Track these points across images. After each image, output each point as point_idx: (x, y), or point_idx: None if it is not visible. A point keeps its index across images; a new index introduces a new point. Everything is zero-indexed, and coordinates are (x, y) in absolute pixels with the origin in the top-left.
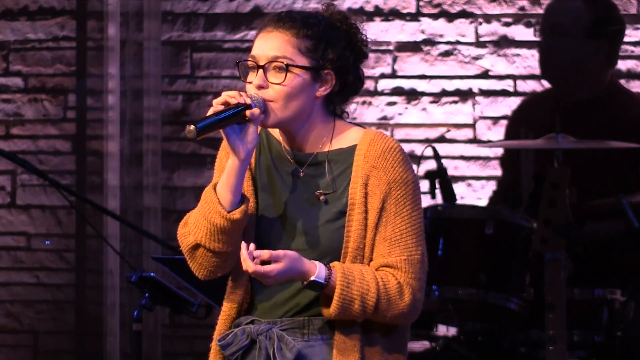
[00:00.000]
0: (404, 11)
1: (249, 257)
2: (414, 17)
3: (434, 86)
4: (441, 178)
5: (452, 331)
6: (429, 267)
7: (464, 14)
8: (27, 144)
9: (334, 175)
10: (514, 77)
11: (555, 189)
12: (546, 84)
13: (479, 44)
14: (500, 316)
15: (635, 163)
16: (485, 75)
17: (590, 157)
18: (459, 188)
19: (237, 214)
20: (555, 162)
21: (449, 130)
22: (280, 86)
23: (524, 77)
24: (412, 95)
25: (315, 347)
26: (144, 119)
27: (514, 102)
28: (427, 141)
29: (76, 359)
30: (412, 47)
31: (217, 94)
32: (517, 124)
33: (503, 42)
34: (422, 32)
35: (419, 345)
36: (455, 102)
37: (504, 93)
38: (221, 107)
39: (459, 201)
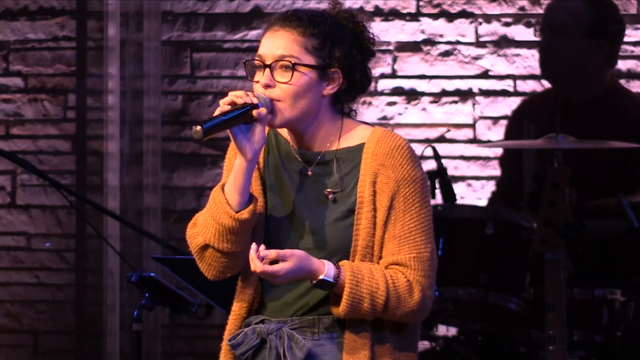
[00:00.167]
0: (404, 11)
1: (257, 258)
2: (414, 17)
3: (434, 86)
4: (441, 178)
5: (452, 331)
6: None
7: (464, 14)
8: (27, 144)
9: (342, 173)
10: (514, 77)
11: (555, 189)
12: (546, 84)
13: (479, 44)
14: (500, 316)
15: (635, 163)
16: (485, 75)
17: (590, 157)
18: (459, 188)
19: (245, 214)
20: (555, 162)
21: (449, 130)
22: (287, 85)
23: (524, 77)
24: (412, 95)
25: (326, 346)
26: (144, 119)
27: (514, 102)
28: (427, 141)
29: (76, 359)
30: (412, 47)
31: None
32: (517, 124)
33: (503, 42)
34: (422, 32)
35: (419, 345)
36: (455, 102)
37: (504, 93)
38: (228, 107)
39: (459, 201)
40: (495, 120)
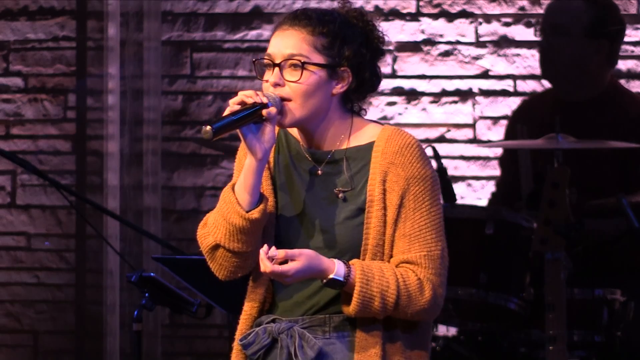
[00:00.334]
0: (404, 11)
1: (266, 258)
2: (414, 17)
3: (434, 86)
4: (441, 178)
5: (452, 331)
6: None
7: (464, 14)
8: (27, 144)
9: (352, 172)
10: (514, 77)
11: (555, 189)
12: (546, 84)
13: (479, 44)
14: (500, 316)
15: (635, 163)
16: (485, 75)
17: (590, 157)
18: (459, 188)
19: (255, 214)
20: (555, 162)
21: (449, 130)
22: (297, 84)
23: (524, 77)
24: (412, 95)
25: (337, 345)
26: (144, 119)
27: (514, 102)
28: (427, 141)
29: (76, 359)
30: (412, 47)
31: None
32: (517, 124)
33: (503, 42)
34: (422, 32)
35: None
36: (455, 102)
37: (504, 93)
38: (237, 107)
39: (459, 201)
40: (495, 120)
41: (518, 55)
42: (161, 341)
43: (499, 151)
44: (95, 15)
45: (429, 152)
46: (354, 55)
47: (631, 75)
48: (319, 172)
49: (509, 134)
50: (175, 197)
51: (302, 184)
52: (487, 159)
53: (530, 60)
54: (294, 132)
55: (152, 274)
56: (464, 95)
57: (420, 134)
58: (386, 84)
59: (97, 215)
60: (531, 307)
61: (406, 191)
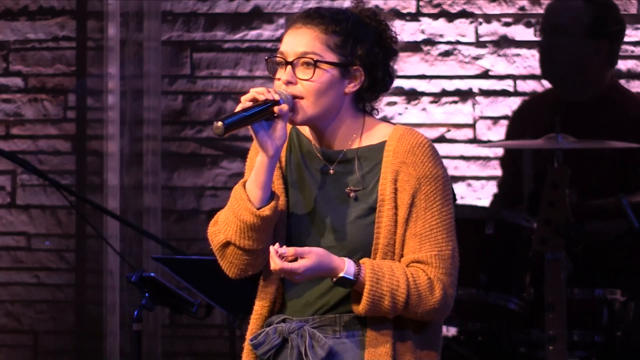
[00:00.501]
0: (404, 11)
1: (276, 256)
2: (414, 17)
3: (434, 86)
4: None
5: (452, 331)
6: None
7: (464, 14)
8: (27, 144)
9: (363, 171)
10: (514, 77)
11: (555, 189)
12: (546, 84)
13: (479, 44)
14: (500, 316)
15: (635, 163)
16: (485, 75)
17: (590, 157)
18: (459, 188)
19: (266, 211)
20: (555, 162)
21: (449, 130)
22: (309, 82)
23: (524, 77)
24: (412, 95)
25: (347, 344)
26: (144, 119)
27: (514, 102)
28: None
29: (76, 359)
30: (412, 47)
31: (217, 94)
32: (517, 125)
33: (503, 42)
34: (422, 32)
35: None
36: (455, 102)
37: (504, 93)
38: (249, 104)
39: (459, 201)
40: (495, 120)
41: (518, 55)
42: (161, 341)
43: (499, 151)
44: (95, 15)
45: None
46: (366, 55)
47: (631, 75)
48: (331, 171)
49: (512, 134)
50: (175, 197)
51: (314, 183)
52: (487, 159)
53: (530, 60)
54: (306, 131)
55: (152, 274)
56: (464, 95)
57: None
58: None
59: (97, 215)
60: (531, 307)
61: (417, 190)
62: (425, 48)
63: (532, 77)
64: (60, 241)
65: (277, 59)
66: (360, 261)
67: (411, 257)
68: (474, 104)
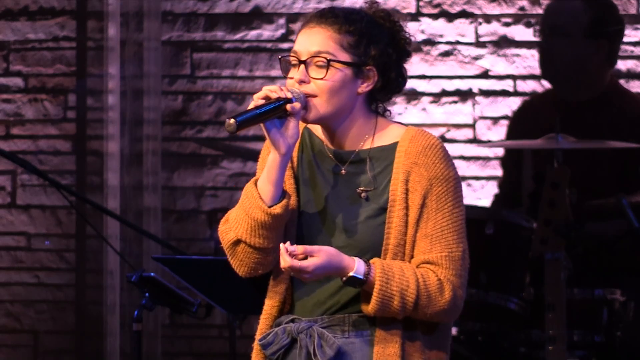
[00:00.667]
0: (404, 11)
1: (286, 253)
2: (414, 17)
3: (434, 86)
4: None
5: (452, 331)
6: None
7: (464, 14)
8: (27, 144)
9: (375, 172)
10: (513, 77)
11: (555, 189)
12: (546, 84)
13: (479, 44)
14: (500, 316)
15: (635, 163)
16: (485, 75)
17: (590, 157)
18: None
19: (277, 209)
20: (555, 162)
21: (449, 130)
22: (322, 81)
23: (524, 77)
24: (412, 95)
25: (356, 344)
26: (144, 119)
27: (514, 102)
28: None
29: (76, 359)
30: (412, 47)
31: (217, 94)
32: (518, 125)
33: (503, 42)
34: (422, 32)
35: None
36: (455, 102)
37: (504, 93)
38: (262, 102)
39: None
40: (495, 120)
41: (518, 55)
42: (161, 341)
43: (499, 151)
44: (95, 15)
45: None
46: (380, 55)
47: (631, 75)
48: (343, 171)
49: (513, 134)
50: (175, 197)
51: (325, 183)
52: (487, 159)
53: (530, 60)
54: (318, 131)
55: (152, 274)
56: (464, 95)
57: None
58: None
59: (97, 215)
60: (531, 307)
61: (429, 191)
62: (425, 48)
63: (532, 77)
64: (60, 241)
65: (291, 58)
66: (371, 261)
67: (421, 258)
68: (473, 104)
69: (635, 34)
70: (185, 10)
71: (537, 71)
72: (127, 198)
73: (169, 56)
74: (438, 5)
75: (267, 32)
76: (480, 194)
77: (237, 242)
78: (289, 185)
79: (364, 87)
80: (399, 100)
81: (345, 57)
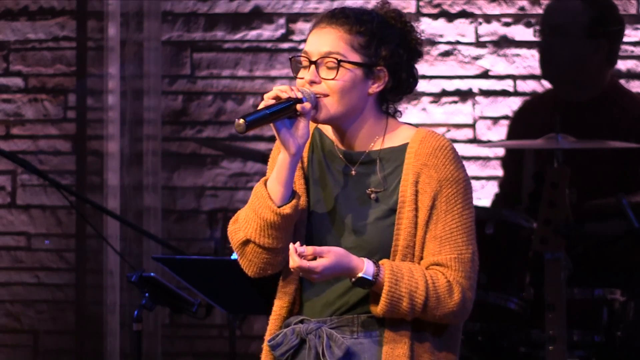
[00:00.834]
0: (404, 11)
1: (296, 254)
2: (414, 17)
3: (434, 86)
4: None
5: None
6: None
7: (464, 14)
8: (27, 144)
9: (385, 173)
10: (514, 77)
11: (555, 189)
12: (546, 84)
13: (479, 44)
14: (500, 316)
15: (635, 163)
16: (485, 75)
17: (590, 157)
18: None
19: (287, 209)
20: (555, 162)
21: (449, 130)
22: (333, 81)
23: (524, 77)
24: (412, 95)
25: (365, 345)
26: (144, 119)
27: (514, 102)
28: None
29: (76, 359)
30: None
31: (217, 94)
32: (518, 125)
33: (503, 42)
34: (422, 32)
35: None
36: (455, 102)
37: (504, 93)
38: (272, 102)
39: None
40: (495, 120)
41: (518, 55)
42: (161, 341)
43: (499, 151)
44: (95, 15)
45: None
46: (390, 56)
47: (631, 75)
48: (353, 172)
49: (513, 134)
50: (175, 197)
51: (335, 183)
52: (487, 159)
53: (530, 60)
54: (329, 132)
55: (152, 274)
56: (464, 95)
57: None
58: None
59: (97, 215)
60: (531, 307)
61: (438, 193)
62: (425, 48)
63: (532, 77)
64: (60, 241)
65: (301, 58)
66: (380, 262)
67: (431, 260)
68: (474, 104)
69: (635, 34)
70: (185, 10)
71: (537, 71)
72: (127, 198)
73: (169, 56)
74: (438, 5)
75: (267, 32)
76: (480, 194)
77: (247, 242)
78: (299, 185)
79: (374, 88)
80: None
81: (355, 57)
